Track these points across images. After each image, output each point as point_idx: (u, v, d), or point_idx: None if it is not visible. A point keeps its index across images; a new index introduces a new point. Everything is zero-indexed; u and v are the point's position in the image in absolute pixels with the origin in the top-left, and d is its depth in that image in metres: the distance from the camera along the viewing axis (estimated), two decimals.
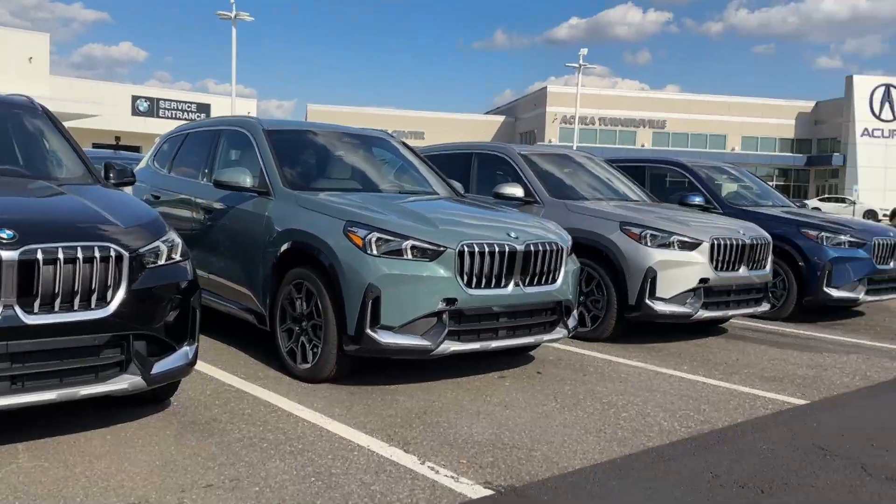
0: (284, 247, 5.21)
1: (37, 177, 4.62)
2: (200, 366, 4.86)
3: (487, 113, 74.13)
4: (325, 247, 4.88)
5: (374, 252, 4.72)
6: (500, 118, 68.51)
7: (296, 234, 5.17)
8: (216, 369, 5.13)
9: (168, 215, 6.23)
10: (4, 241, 3.30)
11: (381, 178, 6.39)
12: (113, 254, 3.57)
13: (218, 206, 5.98)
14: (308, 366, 4.96)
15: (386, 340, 4.62)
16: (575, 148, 32.03)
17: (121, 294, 3.59)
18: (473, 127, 62.15)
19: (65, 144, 5.06)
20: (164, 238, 3.96)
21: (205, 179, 6.30)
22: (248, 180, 5.59)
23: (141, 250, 3.75)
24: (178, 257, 4.04)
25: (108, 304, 3.55)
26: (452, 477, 3.45)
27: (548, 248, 5.18)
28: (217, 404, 4.41)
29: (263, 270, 5.38)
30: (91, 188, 4.51)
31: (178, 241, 4.11)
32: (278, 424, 4.09)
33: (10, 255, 3.28)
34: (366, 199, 5.53)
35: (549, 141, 57.11)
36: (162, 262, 3.87)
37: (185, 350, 3.96)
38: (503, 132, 65.16)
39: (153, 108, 38.20)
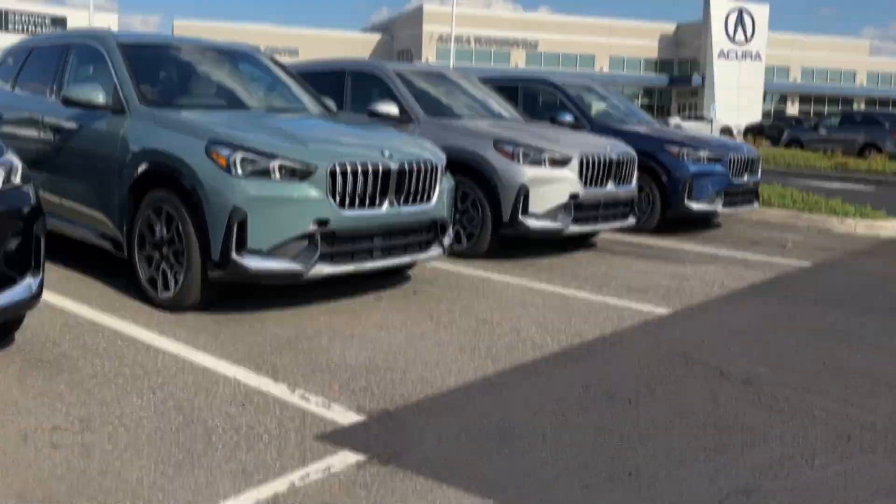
0: (142, 168, 4.84)
1: None
2: (50, 297, 4.50)
3: (364, 31, 72.06)
4: (185, 168, 4.57)
5: (240, 173, 4.45)
6: (377, 36, 66.77)
7: (154, 154, 4.81)
8: (68, 300, 4.77)
9: (10, 136, 5.69)
10: None
11: (249, 95, 6.01)
12: None
13: (68, 125, 5.48)
14: (170, 294, 4.69)
15: (254, 266, 4.42)
16: (451, 67, 31.76)
17: None
18: (349, 45, 60.27)
19: None
20: None
21: (53, 97, 5.74)
22: (100, 97, 5.13)
23: None
24: (17, 181, 3.67)
25: None
26: (324, 404, 3.36)
27: (423, 166, 5.05)
28: (68, 339, 4.10)
29: (119, 194, 4.99)
30: None
31: (18, 163, 3.72)
32: (136, 358, 3.85)
33: None
34: (231, 118, 5.21)
35: (426, 60, 56.33)
36: None
37: (29, 282, 3.65)
38: (380, 50, 63.62)
39: (2, 20, 34.95)
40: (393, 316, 4.80)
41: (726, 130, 41.78)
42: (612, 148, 7.13)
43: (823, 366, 4.19)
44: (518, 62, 61.33)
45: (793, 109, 62.79)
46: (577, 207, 6.65)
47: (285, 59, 7.98)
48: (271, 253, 4.46)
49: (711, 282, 6.19)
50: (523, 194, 6.36)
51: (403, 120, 6.91)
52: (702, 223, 9.39)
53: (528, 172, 6.42)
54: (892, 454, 3.11)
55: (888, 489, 2.81)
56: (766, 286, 6.18)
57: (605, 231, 7.49)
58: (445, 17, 52.18)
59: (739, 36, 57.85)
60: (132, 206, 4.94)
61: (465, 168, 6.41)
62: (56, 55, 5.98)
